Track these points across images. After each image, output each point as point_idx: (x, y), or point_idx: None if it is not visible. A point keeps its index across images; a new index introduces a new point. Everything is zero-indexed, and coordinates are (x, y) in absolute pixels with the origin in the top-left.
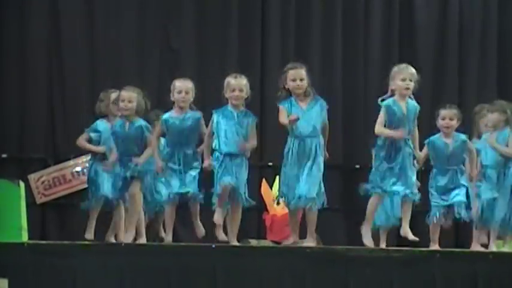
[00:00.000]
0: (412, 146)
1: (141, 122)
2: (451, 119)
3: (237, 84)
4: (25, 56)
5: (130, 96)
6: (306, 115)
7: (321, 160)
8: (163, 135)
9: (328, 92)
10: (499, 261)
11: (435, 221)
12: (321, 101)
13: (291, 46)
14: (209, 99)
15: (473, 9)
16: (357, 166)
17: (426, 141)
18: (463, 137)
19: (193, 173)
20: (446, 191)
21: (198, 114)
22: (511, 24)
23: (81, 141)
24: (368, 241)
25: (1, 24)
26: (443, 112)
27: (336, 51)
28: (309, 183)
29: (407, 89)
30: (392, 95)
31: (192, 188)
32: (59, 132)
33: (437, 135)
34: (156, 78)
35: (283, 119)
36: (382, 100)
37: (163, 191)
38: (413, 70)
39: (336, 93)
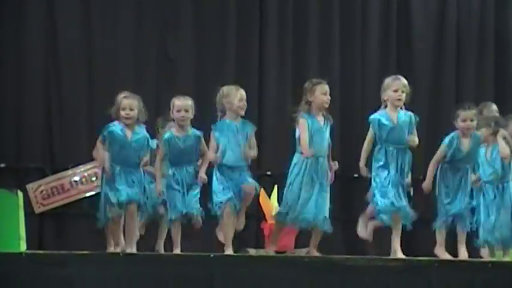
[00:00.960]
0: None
1: (143, 131)
2: (471, 120)
3: (244, 94)
4: (22, 66)
5: (131, 104)
6: (321, 133)
7: (327, 180)
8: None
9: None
10: (497, 271)
11: (441, 228)
12: (329, 118)
13: (289, 56)
14: (206, 109)
15: (470, 11)
16: (355, 175)
17: (444, 142)
18: (478, 134)
19: (195, 191)
20: (453, 193)
21: (198, 132)
22: (508, 26)
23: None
24: (362, 233)
25: None
26: (463, 114)
27: (334, 58)
28: (321, 204)
29: (399, 100)
30: (385, 106)
31: (195, 209)
32: (57, 141)
33: (455, 134)
34: (153, 87)
35: (304, 131)
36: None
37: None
38: (405, 81)
39: (334, 101)
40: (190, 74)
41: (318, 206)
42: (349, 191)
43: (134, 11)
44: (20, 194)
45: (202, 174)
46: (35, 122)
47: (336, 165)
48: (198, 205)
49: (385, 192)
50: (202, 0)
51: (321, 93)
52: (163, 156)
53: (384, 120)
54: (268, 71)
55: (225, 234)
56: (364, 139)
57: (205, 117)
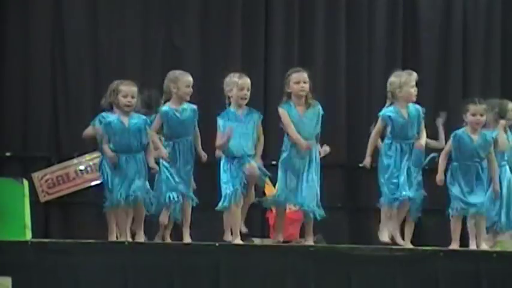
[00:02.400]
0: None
1: (139, 116)
2: (481, 115)
3: (245, 83)
4: (28, 55)
5: (133, 92)
6: (303, 121)
7: (317, 168)
8: (161, 127)
9: (332, 91)
10: (502, 261)
11: (456, 215)
12: (319, 107)
13: (295, 44)
14: (213, 98)
15: (477, 4)
16: (360, 165)
17: (452, 135)
18: (489, 136)
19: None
20: (467, 187)
21: (193, 105)
22: None
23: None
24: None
25: (4, 23)
26: (473, 108)
27: (340, 52)
28: (308, 192)
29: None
30: (391, 102)
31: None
32: (63, 130)
33: (463, 129)
34: (159, 76)
35: (287, 121)
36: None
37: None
38: (416, 75)
39: (340, 92)
40: (196, 63)
41: (306, 193)
42: (355, 181)
43: (140, 9)
44: (26, 182)
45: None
46: (40, 111)
47: (326, 150)
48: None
49: (394, 183)
50: None
51: (294, 82)
52: (158, 127)
53: (396, 117)
54: (274, 61)
55: (233, 225)
56: (369, 132)
57: (211, 105)
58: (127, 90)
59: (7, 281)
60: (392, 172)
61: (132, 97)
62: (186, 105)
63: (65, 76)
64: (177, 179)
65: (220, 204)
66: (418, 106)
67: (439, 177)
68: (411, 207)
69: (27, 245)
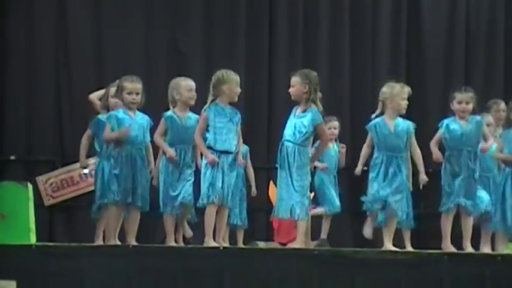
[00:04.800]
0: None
1: (144, 116)
2: (467, 103)
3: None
4: (33, 58)
5: (138, 89)
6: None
7: (296, 170)
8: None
9: (336, 95)
10: (507, 264)
11: (448, 211)
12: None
13: (299, 47)
14: None
15: (480, 10)
16: (365, 168)
17: (440, 124)
18: (478, 118)
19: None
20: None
21: (197, 116)
22: None
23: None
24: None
25: (8, 27)
26: (459, 96)
27: (344, 56)
28: (283, 195)
29: (404, 108)
30: (382, 112)
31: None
32: (67, 134)
33: (451, 118)
34: (163, 80)
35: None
36: (376, 116)
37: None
38: (409, 89)
39: (344, 96)
40: (200, 67)
41: (283, 197)
42: (359, 184)
43: (144, 3)
44: (30, 186)
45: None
46: (45, 115)
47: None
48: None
49: (378, 191)
50: None
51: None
52: (162, 131)
53: (381, 128)
54: (278, 65)
55: (208, 225)
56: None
57: None
58: (131, 87)
59: (12, 284)
60: (379, 183)
61: (137, 94)
62: (190, 114)
63: (69, 80)
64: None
65: (203, 200)
66: (409, 122)
67: (435, 155)
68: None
69: (31, 249)
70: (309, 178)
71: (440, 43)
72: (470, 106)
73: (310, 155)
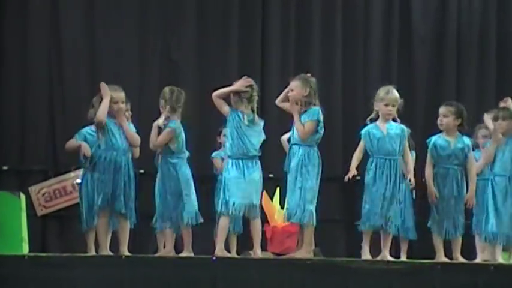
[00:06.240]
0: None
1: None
2: (445, 116)
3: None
4: (25, 67)
5: (122, 97)
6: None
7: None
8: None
9: (328, 101)
10: (500, 273)
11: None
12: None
13: (291, 57)
14: (209, 111)
15: (471, 13)
16: (358, 178)
17: (428, 141)
18: (467, 141)
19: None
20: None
21: None
22: (510, 29)
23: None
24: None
25: (1, 34)
26: (439, 110)
27: (336, 61)
28: (292, 199)
29: (389, 114)
30: (376, 117)
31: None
32: (60, 144)
33: (439, 134)
34: (156, 89)
35: None
36: (371, 120)
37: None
38: (397, 95)
39: (336, 104)
40: (193, 76)
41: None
42: (351, 193)
43: (137, 11)
44: (23, 196)
45: None
46: (38, 124)
47: None
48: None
49: (373, 202)
50: (205, 0)
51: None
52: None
53: (374, 131)
54: (271, 72)
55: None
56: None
57: (207, 118)
58: (116, 96)
59: None
60: (373, 200)
61: (122, 102)
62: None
63: (62, 90)
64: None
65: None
66: (403, 126)
67: (430, 192)
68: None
69: (24, 259)
70: (316, 181)
71: (431, 44)
72: (449, 119)
73: (318, 157)
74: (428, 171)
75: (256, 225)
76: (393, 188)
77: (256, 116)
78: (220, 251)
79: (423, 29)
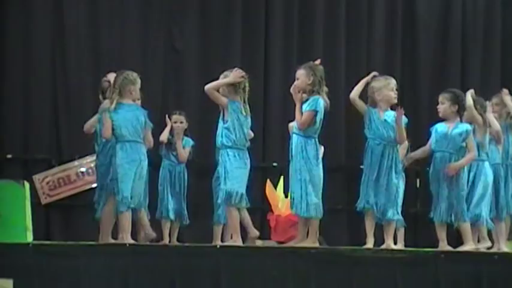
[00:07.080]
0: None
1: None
2: (441, 103)
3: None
4: (29, 57)
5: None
6: None
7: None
8: None
9: (331, 91)
10: (503, 262)
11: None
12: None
13: (294, 47)
14: (211, 100)
15: (476, 3)
16: (361, 166)
17: (430, 129)
18: (467, 126)
19: None
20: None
21: None
22: None
23: None
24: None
25: (4, 25)
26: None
27: (339, 52)
28: (296, 190)
29: (396, 98)
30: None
31: None
32: (64, 132)
33: (441, 122)
34: (160, 79)
35: None
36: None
37: None
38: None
39: (339, 93)
40: (196, 66)
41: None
42: (355, 183)
43: (141, 3)
44: (27, 184)
45: None
46: (42, 113)
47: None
48: None
49: (366, 190)
50: None
51: None
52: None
53: (373, 114)
54: (274, 64)
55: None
56: None
57: (210, 109)
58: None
59: (9, 283)
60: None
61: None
62: None
63: (65, 79)
64: None
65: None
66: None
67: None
68: None
69: (28, 248)
70: (319, 172)
71: (435, 41)
72: (445, 106)
73: (317, 148)
74: (423, 148)
75: (246, 213)
76: (388, 174)
77: (248, 107)
78: (238, 242)
79: (427, 21)
